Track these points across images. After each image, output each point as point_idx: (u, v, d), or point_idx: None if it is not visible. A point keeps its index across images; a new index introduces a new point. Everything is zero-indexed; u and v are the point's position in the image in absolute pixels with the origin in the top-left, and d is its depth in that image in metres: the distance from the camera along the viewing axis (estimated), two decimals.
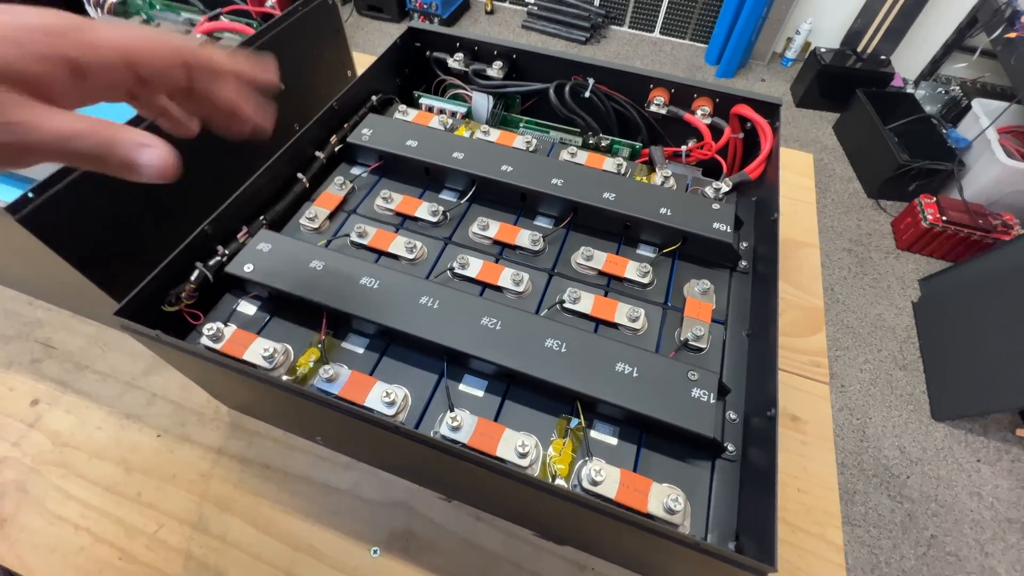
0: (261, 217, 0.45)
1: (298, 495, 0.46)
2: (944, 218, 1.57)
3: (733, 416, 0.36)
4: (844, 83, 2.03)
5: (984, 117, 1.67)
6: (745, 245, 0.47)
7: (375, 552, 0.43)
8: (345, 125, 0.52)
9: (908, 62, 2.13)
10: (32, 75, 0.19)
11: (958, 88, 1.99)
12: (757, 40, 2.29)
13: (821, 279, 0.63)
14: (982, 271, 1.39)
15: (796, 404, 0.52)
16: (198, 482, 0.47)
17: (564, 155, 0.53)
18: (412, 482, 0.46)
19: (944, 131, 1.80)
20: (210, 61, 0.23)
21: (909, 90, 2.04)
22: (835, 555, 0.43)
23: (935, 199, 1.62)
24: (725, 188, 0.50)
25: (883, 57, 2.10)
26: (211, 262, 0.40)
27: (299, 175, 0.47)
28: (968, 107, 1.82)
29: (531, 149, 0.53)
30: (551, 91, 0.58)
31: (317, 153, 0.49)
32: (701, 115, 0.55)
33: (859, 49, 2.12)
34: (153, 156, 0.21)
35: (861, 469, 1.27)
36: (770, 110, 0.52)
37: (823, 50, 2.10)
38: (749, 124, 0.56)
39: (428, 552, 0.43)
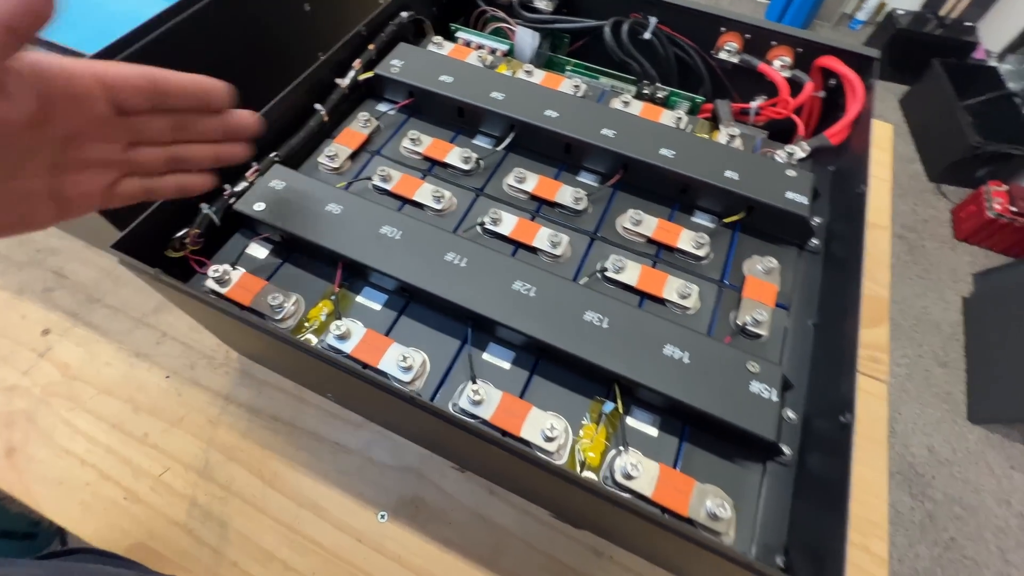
0: (273, 154, 0.40)
1: (305, 451, 0.44)
2: (1013, 208, 1.43)
3: (791, 416, 0.32)
4: (919, 52, 1.84)
5: None
6: (818, 221, 0.41)
7: (382, 517, 0.41)
8: (370, 46, 0.46)
9: (996, 31, 1.91)
10: None
11: None
12: None
13: (889, 266, 0.56)
14: None
15: None
16: (205, 428, 0.45)
17: (616, 104, 0.47)
18: (425, 448, 0.44)
19: None
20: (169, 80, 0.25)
21: (992, 63, 1.83)
22: (878, 568, 0.40)
23: (1005, 187, 1.48)
24: (801, 153, 0.43)
25: (968, 24, 1.89)
26: (216, 203, 0.37)
27: (316, 106, 0.43)
28: None
29: (579, 95, 0.47)
30: (606, 29, 0.51)
31: (337, 80, 0.44)
32: (779, 66, 0.48)
33: (942, 13, 1.90)
34: None
35: None
36: (863, 64, 0.45)
37: (901, 12, 1.89)
38: (832, 82, 0.48)
39: (437, 522, 0.41)
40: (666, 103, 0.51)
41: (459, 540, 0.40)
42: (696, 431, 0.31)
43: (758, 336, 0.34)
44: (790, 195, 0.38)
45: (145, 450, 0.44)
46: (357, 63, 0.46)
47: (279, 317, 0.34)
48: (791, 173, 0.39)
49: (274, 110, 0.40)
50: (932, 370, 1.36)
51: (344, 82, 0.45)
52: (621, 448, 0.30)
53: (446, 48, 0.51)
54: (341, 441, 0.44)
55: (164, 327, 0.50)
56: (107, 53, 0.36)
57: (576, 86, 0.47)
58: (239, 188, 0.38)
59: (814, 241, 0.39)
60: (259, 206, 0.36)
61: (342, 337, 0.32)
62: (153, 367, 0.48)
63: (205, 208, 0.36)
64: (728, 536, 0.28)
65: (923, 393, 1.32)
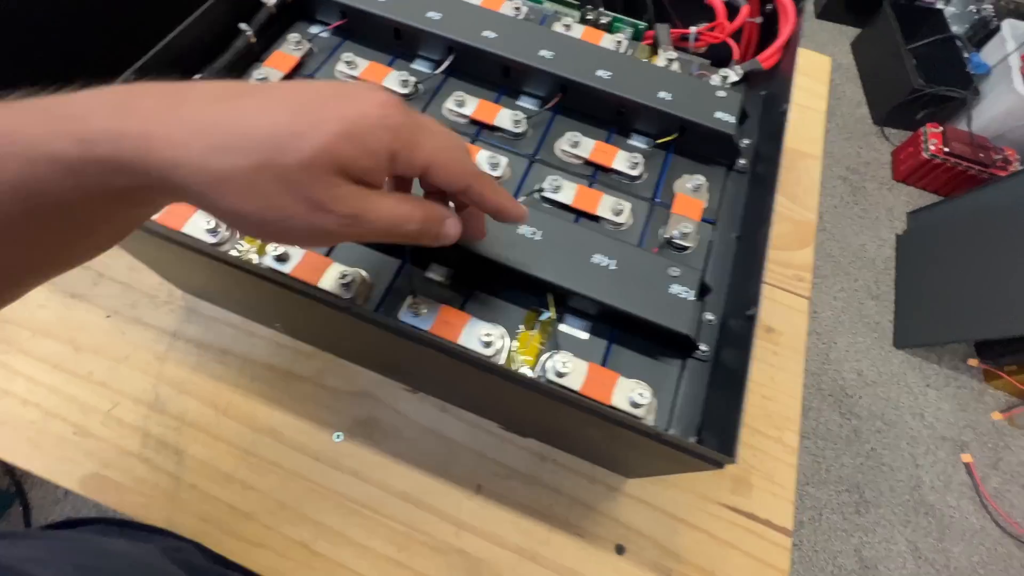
0: (197, 76, 0.38)
1: (258, 380, 0.45)
2: (946, 149, 1.52)
3: (711, 317, 0.35)
4: None
5: (1011, 41, 1.56)
6: (747, 143, 0.43)
7: (338, 437, 0.43)
8: None
9: None
10: (366, 168, 0.19)
11: (991, 6, 1.84)
12: None
13: (819, 193, 0.59)
14: (969, 207, 1.38)
15: (773, 316, 0.51)
16: (153, 364, 0.45)
17: (558, 28, 0.46)
18: (376, 372, 0.45)
19: (966, 55, 1.68)
20: (481, 196, 0.24)
21: (939, 6, 1.87)
22: (789, 456, 0.45)
23: (942, 129, 1.56)
24: (734, 77, 0.44)
25: None
26: None
27: (241, 25, 0.40)
28: (997, 29, 1.69)
29: (520, 17, 0.46)
30: None
31: None
32: None
33: None
34: (452, 227, 0.23)
35: (819, 388, 1.34)
36: None
37: None
38: (770, 6, 0.49)
39: (391, 439, 0.43)
40: (609, 28, 0.51)
41: (412, 453, 0.43)
42: (623, 334, 0.34)
43: (684, 248, 0.37)
44: (719, 115, 0.39)
45: (91, 387, 0.43)
46: None
47: (215, 241, 0.33)
48: (721, 94, 0.40)
49: (193, 28, 0.37)
50: (865, 302, 1.47)
51: (270, 0, 0.42)
52: (553, 351, 0.32)
53: None
54: (293, 370, 0.45)
55: (100, 268, 0.49)
56: None
57: (517, 8, 0.46)
58: None
59: (742, 161, 0.41)
60: None
61: (280, 259, 0.33)
62: (92, 307, 0.47)
63: None
64: (648, 420, 0.31)
65: (856, 323, 1.44)
